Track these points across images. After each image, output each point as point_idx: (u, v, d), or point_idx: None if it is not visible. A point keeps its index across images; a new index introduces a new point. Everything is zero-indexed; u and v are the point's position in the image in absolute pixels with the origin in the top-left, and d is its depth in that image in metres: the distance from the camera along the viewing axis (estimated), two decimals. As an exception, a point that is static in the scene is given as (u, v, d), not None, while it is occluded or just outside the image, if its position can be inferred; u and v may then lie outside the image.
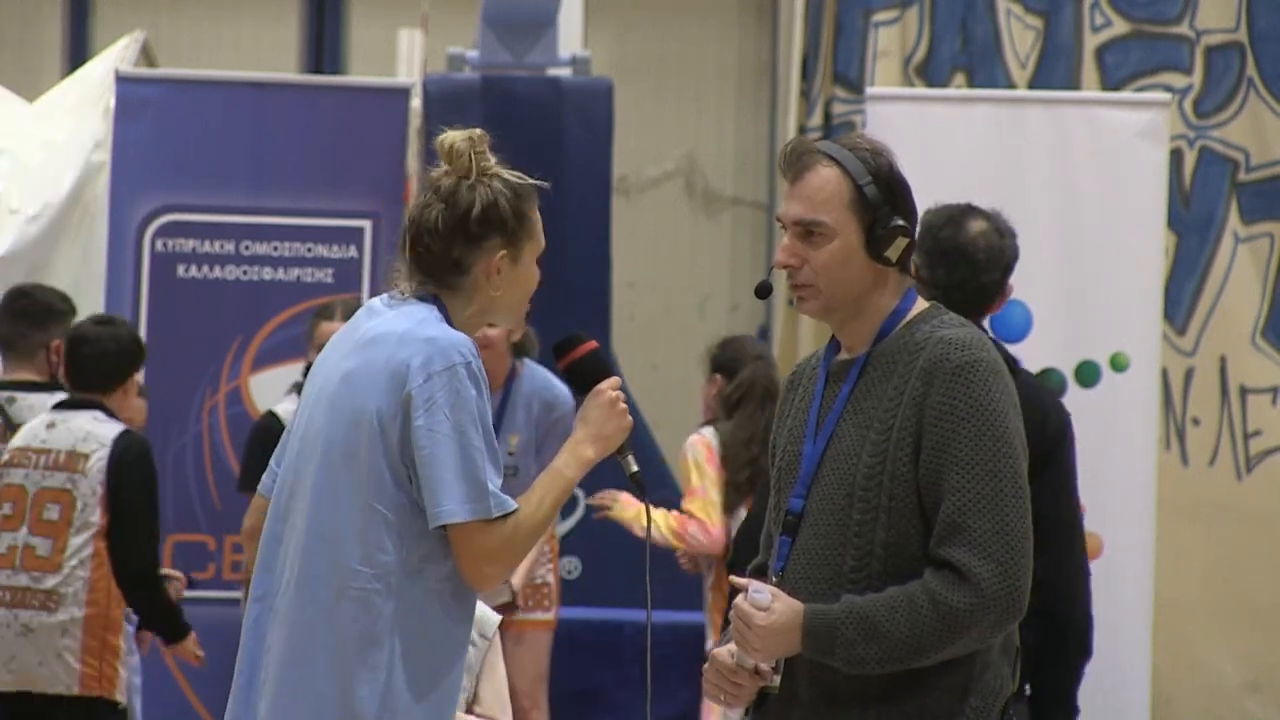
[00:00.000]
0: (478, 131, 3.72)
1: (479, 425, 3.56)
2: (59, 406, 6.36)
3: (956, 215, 5.05)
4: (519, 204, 3.69)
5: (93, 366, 6.32)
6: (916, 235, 3.70)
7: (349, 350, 3.67)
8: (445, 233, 3.67)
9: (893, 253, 3.55)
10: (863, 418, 3.53)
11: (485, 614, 4.37)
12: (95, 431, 6.24)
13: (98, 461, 6.20)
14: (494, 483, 3.56)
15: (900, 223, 3.55)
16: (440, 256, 3.68)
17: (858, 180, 3.55)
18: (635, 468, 3.75)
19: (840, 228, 3.55)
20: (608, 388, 3.72)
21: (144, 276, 7.95)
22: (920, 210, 3.75)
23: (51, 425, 6.28)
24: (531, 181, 3.73)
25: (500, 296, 3.70)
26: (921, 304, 3.62)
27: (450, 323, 3.66)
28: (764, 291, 3.78)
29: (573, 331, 3.85)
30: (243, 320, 7.64)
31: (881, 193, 3.55)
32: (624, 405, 3.72)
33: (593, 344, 3.80)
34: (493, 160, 3.71)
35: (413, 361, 3.56)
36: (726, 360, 7.13)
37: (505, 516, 3.56)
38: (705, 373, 7.20)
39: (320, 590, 3.58)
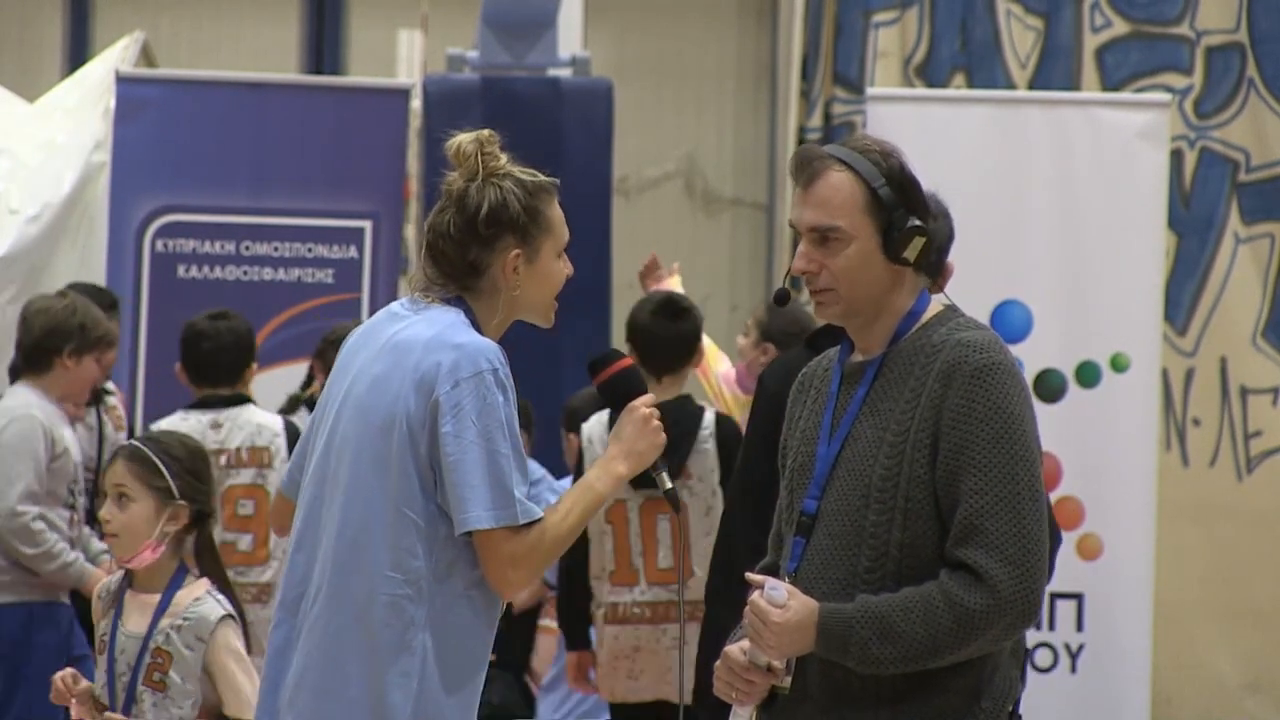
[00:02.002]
0: (486, 132, 3.71)
1: (506, 432, 3.56)
2: (204, 406, 6.47)
3: None
4: (531, 201, 3.68)
5: (217, 360, 6.50)
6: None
7: (375, 354, 3.66)
8: (458, 236, 3.67)
9: (910, 253, 3.55)
10: (879, 419, 3.52)
11: (202, 615, 4.39)
12: (266, 423, 6.45)
13: (280, 451, 6.43)
14: (520, 490, 3.57)
15: (917, 223, 3.54)
16: (456, 260, 3.68)
17: (871, 183, 3.54)
18: (670, 484, 3.76)
19: (857, 232, 3.54)
20: (641, 404, 3.72)
21: (144, 277, 7.94)
22: None
23: (217, 425, 6.39)
24: (545, 179, 3.73)
25: (521, 296, 3.70)
26: (936, 305, 3.61)
27: (477, 325, 3.66)
28: (782, 299, 3.78)
29: (608, 349, 3.86)
30: (243, 320, 7.60)
31: (895, 194, 3.54)
32: (658, 422, 3.72)
33: (627, 361, 3.80)
34: (504, 159, 3.70)
35: (440, 368, 3.56)
36: (778, 332, 6.88)
37: (531, 524, 3.57)
38: (752, 338, 6.93)
39: (351, 596, 3.58)
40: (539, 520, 3.58)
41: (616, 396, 3.77)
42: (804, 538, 3.55)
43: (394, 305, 3.75)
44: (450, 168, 3.73)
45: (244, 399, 6.54)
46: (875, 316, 3.58)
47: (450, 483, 3.54)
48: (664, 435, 3.72)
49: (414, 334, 3.63)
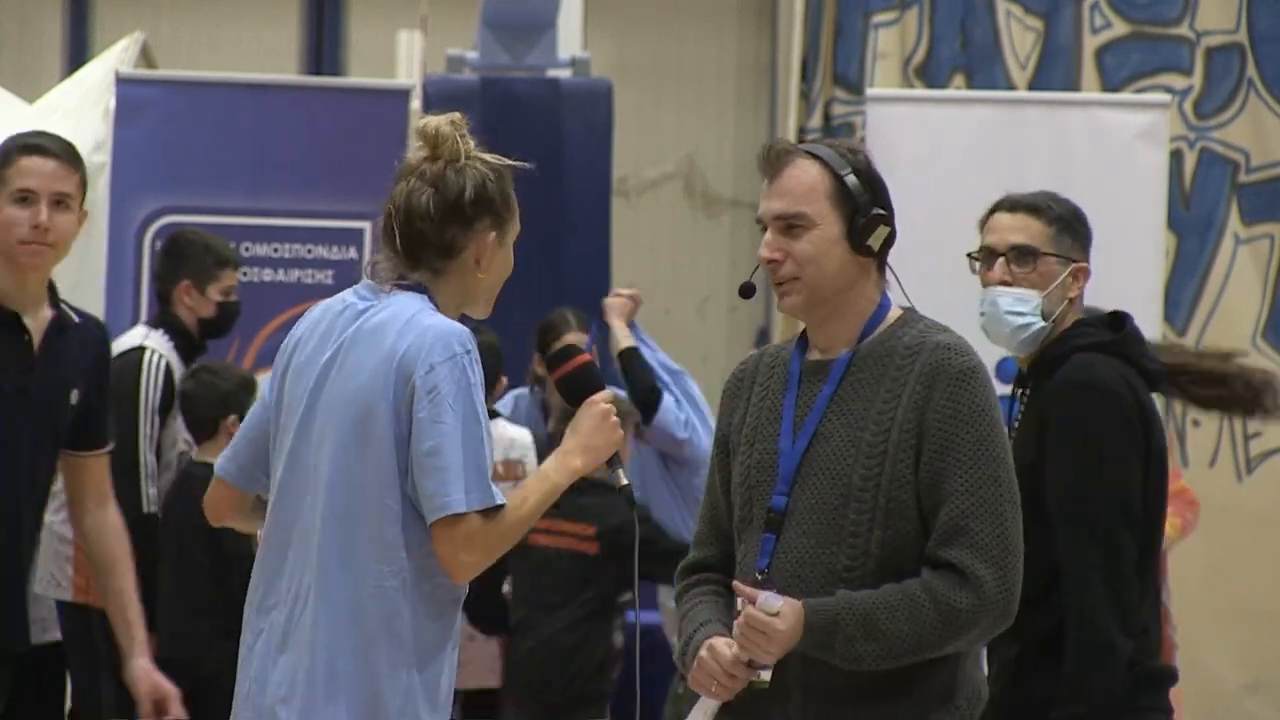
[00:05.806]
0: (457, 115, 3.74)
1: (478, 415, 3.57)
2: None
3: None
4: (502, 185, 3.72)
5: None
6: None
7: (343, 344, 3.67)
8: (438, 216, 3.68)
9: (874, 241, 3.56)
10: (852, 419, 3.54)
11: None
12: (517, 437, 6.80)
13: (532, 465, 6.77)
14: (488, 474, 3.57)
15: (880, 211, 3.56)
16: (433, 240, 3.69)
17: (838, 171, 3.57)
18: (625, 481, 3.75)
19: (821, 219, 3.57)
20: (601, 399, 3.73)
21: (144, 278, 7.94)
22: (905, 210, 3.76)
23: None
24: (509, 161, 3.75)
25: (484, 280, 3.72)
26: (898, 308, 3.63)
27: (439, 311, 3.67)
28: (748, 292, 3.79)
29: (567, 344, 3.88)
30: (242, 321, 7.59)
31: (862, 184, 3.57)
32: (615, 419, 3.73)
33: (586, 357, 3.82)
34: (472, 143, 3.73)
35: (414, 353, 3.57)
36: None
37: (495, 509, 3.57)
38: None
39: (343, 593, 3.58)
40: (500, 506, 3.57)
41: (575, 392, 3.78)
42: (774, 534, 3.56)
43: (347, 294, 3.76)
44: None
45: (494, 413, 6.65)
46: (838, 311, 3.60)
47: (427, 467, 3.53)
48: (620, 431, 3.73)
49: (385, 318, 3.64)
